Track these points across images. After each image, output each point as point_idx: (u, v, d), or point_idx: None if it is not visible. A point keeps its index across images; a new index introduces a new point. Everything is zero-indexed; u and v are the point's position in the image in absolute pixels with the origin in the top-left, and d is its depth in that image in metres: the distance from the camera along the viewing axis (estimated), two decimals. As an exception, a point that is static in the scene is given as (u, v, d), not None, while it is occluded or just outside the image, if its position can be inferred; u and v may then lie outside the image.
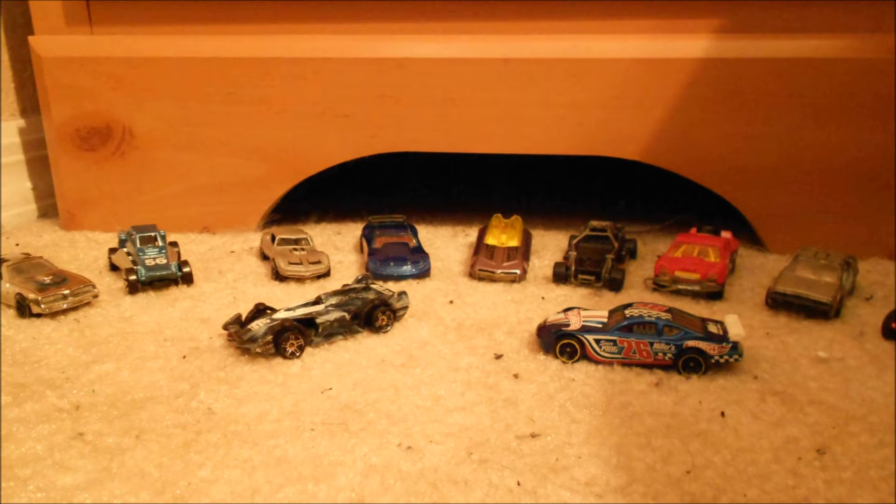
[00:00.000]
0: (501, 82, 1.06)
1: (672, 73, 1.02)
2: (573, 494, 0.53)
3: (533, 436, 0.60)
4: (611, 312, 0.75)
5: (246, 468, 0.56)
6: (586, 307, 0.79)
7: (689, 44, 1.01)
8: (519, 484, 0.53)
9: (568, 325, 0.73)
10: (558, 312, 0.77)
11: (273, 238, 1.00)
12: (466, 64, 1.06)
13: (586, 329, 0.72)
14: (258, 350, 0.72)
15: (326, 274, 0.96)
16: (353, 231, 1.14)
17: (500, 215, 1.07)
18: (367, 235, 1.03)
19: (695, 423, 0.62)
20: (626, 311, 0.73)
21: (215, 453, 0.57)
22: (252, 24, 1.11)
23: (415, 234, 1.04)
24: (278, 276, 0.94)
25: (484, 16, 1.07)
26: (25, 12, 1.25)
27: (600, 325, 0.73)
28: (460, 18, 1.07)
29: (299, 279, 0.94)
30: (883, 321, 0.80)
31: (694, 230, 1.00)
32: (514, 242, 0.99)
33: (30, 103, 1.29)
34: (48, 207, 1.29)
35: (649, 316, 0.72)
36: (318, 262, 0.95)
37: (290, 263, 0.94)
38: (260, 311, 0.78)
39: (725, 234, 1.00)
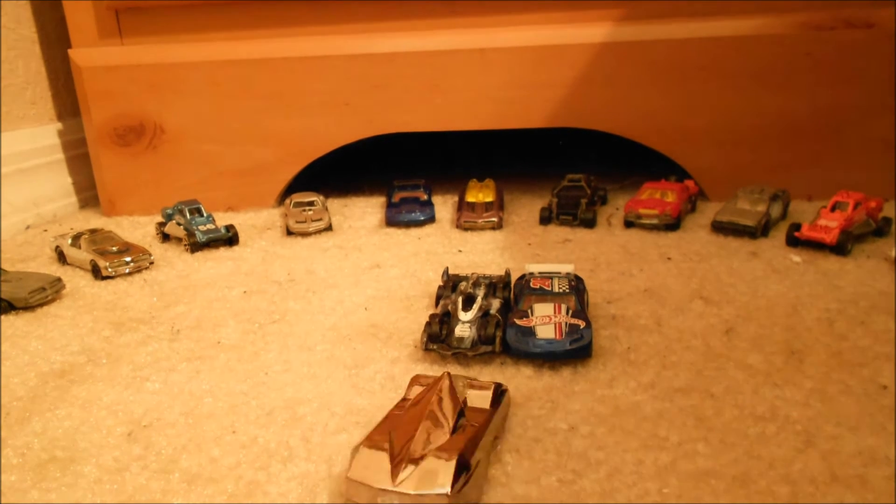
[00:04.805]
0: (477, 69, 1.26)
1: (623, 55, 1.22)
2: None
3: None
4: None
5: (304, 363, 0.75)
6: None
7: (638, 29, 1.22)
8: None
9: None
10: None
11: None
12: (447, 55, 1.26)
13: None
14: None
15: (328, 228, 1.19)
16: (357, 204, 1.33)
17: (475, 179, 1.28)
18: (389, 193, 1.28)
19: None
20: None
21: (279, 357, 0.77)
22: (262, 30, 1.30)
23: (427, 192, 1.28)
24: (289, 233, 1.17)
25: (461, 13, 1.26)
26: (57, 28, 1.43)
27: None
28: (440, 16, 1.26)
29: (304, 234, 1.17)
30: (786, 231, 1.02)
31: (663, 179, 1.21)
32: (490, 198, 1.20)
33: (65, 109, 1.47)
34: (88, 199, 1.47)
35: None
36: (320, 220, 1.18)
37: (297, 222, 1.17)
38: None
39: (689, 183, 1.22)
